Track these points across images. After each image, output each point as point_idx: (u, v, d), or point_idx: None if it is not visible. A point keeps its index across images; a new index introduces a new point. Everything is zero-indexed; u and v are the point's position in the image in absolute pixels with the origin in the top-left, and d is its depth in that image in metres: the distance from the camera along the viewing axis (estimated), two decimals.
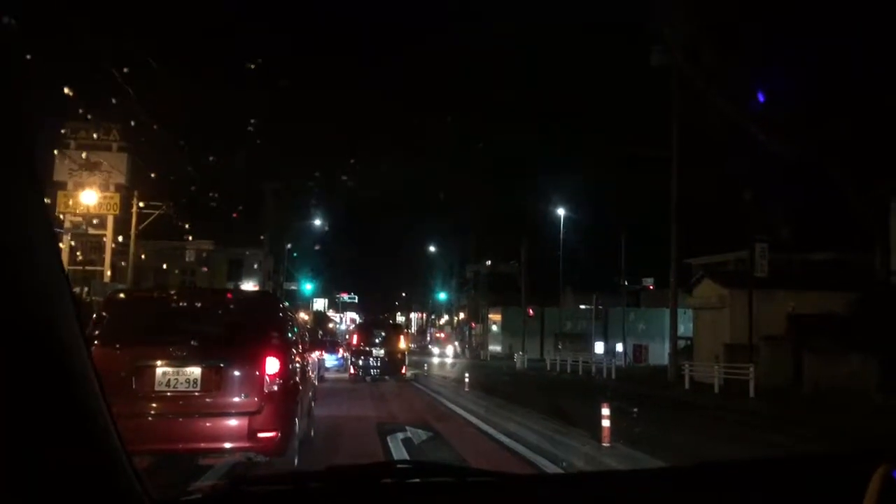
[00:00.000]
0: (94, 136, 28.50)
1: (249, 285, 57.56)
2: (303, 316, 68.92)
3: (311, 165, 42.43)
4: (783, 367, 21.81)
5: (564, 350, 53.89)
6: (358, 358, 23.52)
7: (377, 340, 24.07)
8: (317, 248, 55.24)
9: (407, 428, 10.53)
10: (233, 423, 5.79)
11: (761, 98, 20.47)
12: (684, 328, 59.11)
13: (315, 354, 17.44)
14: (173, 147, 29.17)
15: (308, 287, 62.54)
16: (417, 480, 1.72)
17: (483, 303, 67.64)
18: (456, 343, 55.82)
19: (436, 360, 47.49)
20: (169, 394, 5.70)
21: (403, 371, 23.46)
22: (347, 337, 31.96)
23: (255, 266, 51.25)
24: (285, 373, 6.09)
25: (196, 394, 5.74)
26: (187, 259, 37.66)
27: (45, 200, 1.29)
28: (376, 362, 23.21)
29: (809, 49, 21.13)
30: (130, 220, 30.05)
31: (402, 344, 24.79)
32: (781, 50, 21.51)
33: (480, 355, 60.97)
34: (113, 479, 1.20)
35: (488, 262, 64.14)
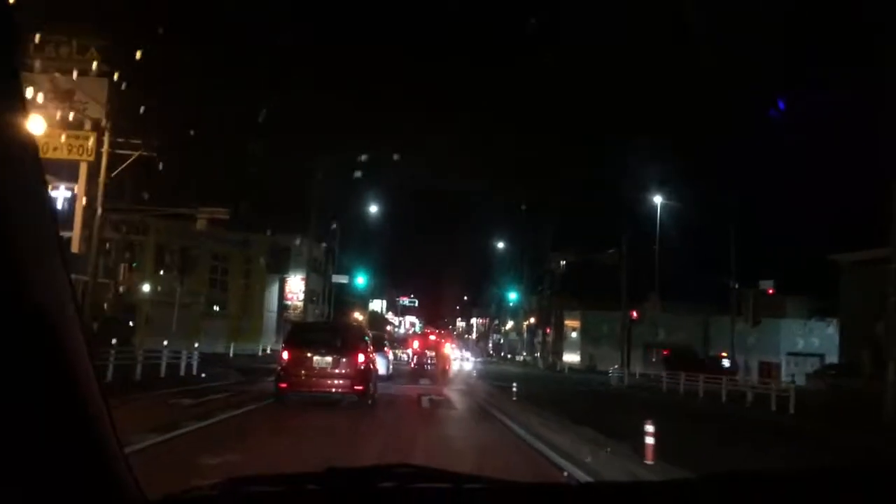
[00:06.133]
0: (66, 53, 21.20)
1: (296, 278, 51.18)
2: (357, 315, 62.04)
3: (367, 150, 36.47)
4: None
5: (658, 364, 44.57)
6: (419, 357, 34.07)
7: (430, 346, 35.60)
8: (370, 233, 48.38)
9: None
10: (345, 382, 13.23)
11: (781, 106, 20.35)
12: (804, 342, 49.37)
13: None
14: (183, 80, 21.83)
15: (360, 281, 55.29)
16: (417, 486, 1.64)
17: (558, 306, 59.09)
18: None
19: (516, 371, 38.77)
20: (318, 368, 13.25)
21: (447, 367, 31.50)
22: (408, 341, 43.53)
23: (298, 243, 43.90)
24: (367, 361, 13.86)
25: (329, 369, 13.27)
26: (198, 227, 30.25)
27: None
28: (430, 361, 32.64)
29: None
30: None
31: (447, 349, 35.34)
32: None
33: (557, 366, 52.22)
34: (110, 478, 1.21)
35: (569, 257, 55.25)
